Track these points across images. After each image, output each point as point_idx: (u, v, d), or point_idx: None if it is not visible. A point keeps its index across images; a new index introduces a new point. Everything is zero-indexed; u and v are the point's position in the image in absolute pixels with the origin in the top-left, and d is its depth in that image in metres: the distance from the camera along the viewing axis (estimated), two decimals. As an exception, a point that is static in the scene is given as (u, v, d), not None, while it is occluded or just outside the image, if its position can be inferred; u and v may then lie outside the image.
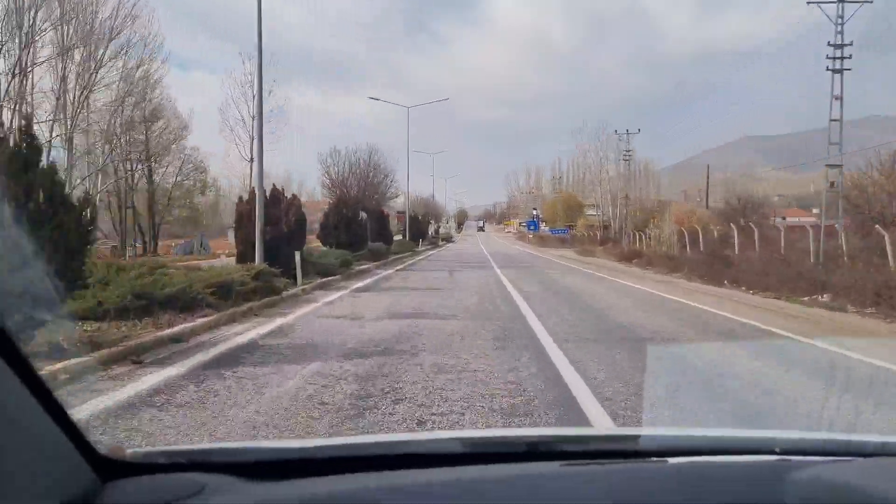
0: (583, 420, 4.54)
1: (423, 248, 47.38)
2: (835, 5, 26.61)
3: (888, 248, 15.38)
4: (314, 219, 27.33)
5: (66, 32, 23.24)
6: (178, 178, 38.74)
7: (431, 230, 79.40)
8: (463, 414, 4.60)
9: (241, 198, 16.83)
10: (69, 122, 23.06)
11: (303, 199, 23.01)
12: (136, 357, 6.21)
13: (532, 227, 79.97)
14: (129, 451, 1.24)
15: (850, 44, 26.35)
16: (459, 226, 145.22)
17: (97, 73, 24.45)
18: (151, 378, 5.48)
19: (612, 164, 68.15)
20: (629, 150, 51.56)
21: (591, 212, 78.66)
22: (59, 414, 1.03)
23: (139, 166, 34.44)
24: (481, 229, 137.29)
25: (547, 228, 78.78)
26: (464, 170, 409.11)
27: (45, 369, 5.03)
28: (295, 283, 14.02)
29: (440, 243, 68.10)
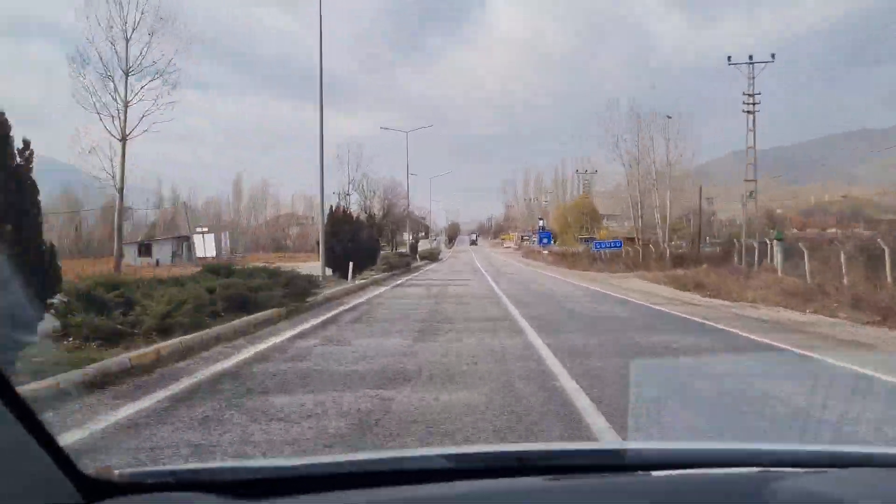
0: None
1: (354, 290, 18.96)
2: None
3: None
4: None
5: None
6: None
7: (406, 245, 57.29)
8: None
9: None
10: None
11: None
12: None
13: (545, 241, 59.47)
14: (116, 471, 1.20)
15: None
16: (451, 240, 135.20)
17: None
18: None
19: (657, 153, 47.35)
20: (754, 96, 29.64)
21: (606, 223, 67.03)
22: (42, 435, 1.01)
23: None
24: (474, 243, 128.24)
25: (554, 243, 59.97)
26: (458, 184, 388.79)
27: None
28: None
29: (416, 263, 43.86)
